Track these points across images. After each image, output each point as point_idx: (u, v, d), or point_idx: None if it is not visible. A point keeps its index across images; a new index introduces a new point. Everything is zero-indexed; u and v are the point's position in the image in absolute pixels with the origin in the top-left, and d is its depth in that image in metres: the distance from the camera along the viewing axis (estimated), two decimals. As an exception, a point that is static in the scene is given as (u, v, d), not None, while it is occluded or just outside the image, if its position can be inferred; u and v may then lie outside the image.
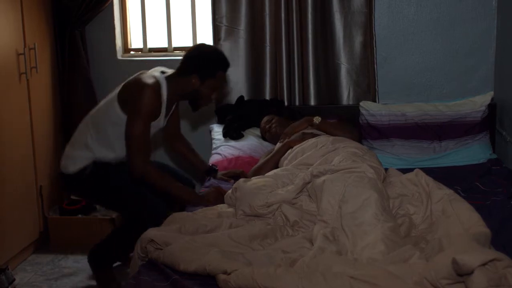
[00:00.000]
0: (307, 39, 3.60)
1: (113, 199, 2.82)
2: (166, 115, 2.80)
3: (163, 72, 2.78)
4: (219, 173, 3.05)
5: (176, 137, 3.11)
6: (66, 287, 3.15)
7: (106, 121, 2.73)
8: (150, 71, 2.77)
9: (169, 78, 2.73)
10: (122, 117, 2.66)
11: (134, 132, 2.60)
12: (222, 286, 1.75)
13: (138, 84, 2.64)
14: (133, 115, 2.61)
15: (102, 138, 2.74)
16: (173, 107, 2.88)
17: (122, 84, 2.76)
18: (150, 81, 2.64)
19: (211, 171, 3.07)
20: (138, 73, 2.76)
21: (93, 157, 2.76)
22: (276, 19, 3.61)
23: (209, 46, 2.89)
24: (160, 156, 3.85)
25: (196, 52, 2.74)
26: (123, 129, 2.65)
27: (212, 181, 2.98)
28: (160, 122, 2.76)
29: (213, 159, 3.28)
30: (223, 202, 2.56)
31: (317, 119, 3.01)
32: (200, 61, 2.69)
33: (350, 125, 3.16)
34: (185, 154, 3.13)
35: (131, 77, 2.75)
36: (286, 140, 2.96)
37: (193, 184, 3.13)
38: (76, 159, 2.76)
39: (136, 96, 2.60)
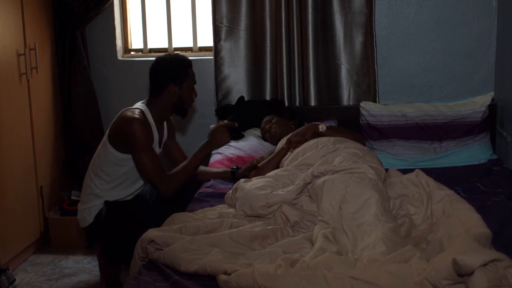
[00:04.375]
0: (307, 39, 3.60)
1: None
2: (159, 139, 2.85)
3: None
4: (240, 170, 3.02)
5: None
6: (67, 288, 3.16)
7: (107, 164, 2.76)
8: (131, 107, 2.81)
9: (149, 103, 2.79)
10: (120, 156, 2.72)
11: (145, 165, 2.66)
12: (223, 286, 1.75)
13: (125, 121, 2.67)
14: (135, 151, 2.66)
15: (106, 182, 2.78)
16: (165, 130, 2.93)
17: (110, 126, 2.78)
18: (134, 114, 2.68)
19: (234, 172, 3.04)
20: (121, 110, 2.78)
21: (103, 200, 2.80)
22: (276, 19, 3.61)
23: (165, 54, 2.92)
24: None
25: (160, 65, 2.79)
26: (124, 168, 2.74)
27: (213, 181, 2.97)
28: (155, 148, 2.80)
29: (214, 158, 3.28)
30: (231, 138, 2.80)
31: (322, 127, 2.96)
32: (169, 70, 2.75)
33: (356, 132, 3.14)
34: (205, 177, 3.09)
35: (116, 117, 2.77)
36: (287, 142, 2.94)
37: None
38: (91, 208, 2.79)
39: (128, 133, 2.64)
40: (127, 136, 2.65)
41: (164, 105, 2.79)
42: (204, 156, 2.80)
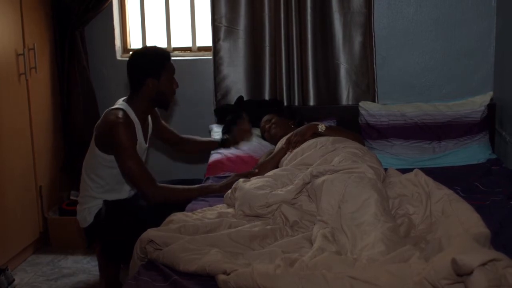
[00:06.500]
0: (306, 39, 3.60)
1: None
2: (144, 136, 2.83)
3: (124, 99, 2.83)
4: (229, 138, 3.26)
5: (182, 142, 3.22)
6: (66, 288, 3.16)
7: (99, 167, 2.75)
8: (113, 106, 2.78)
9: (129, 100, 2.77)
10: (109, 158, 2.71)
11: (129, 168, 2.64)
12: (222, 286, 1.75)
13: (107, 124, 2.66)
14: (119, 154, 2.65)
15: (102, 186, 2.78)
16: (149, 124, 2.92)
17: (95, 128, 2.77)
18: (116, 116, 2.65)
19: (224, 142, 3.26)
20: (104, 112, 2.76)
21: (102, 200, 2.80)
22: (275, 19, 3.61)
23: (140, 48, 2.90)
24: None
25: (137, 60, 2.75)
26: (116, 169, 2.72)
27: (211, 181, 2.97)
28: (141, 145, 2.79)
29: (213, 158, 3.28)
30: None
31: (321, 127, 2.96)
32: (145, 64, 2.72)
33: (355, 132, 3.14)
34: (198, 149, 3.28)
35: (100, 120, 2.75)
36: (287, 142, 2.95)
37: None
38: (90, 208, 2.79)
39: (111, 136, 2.63)
40: (110, 139, 2.64)
41: (144, 100, 2.76)
42: (208, 193, 2.73)
